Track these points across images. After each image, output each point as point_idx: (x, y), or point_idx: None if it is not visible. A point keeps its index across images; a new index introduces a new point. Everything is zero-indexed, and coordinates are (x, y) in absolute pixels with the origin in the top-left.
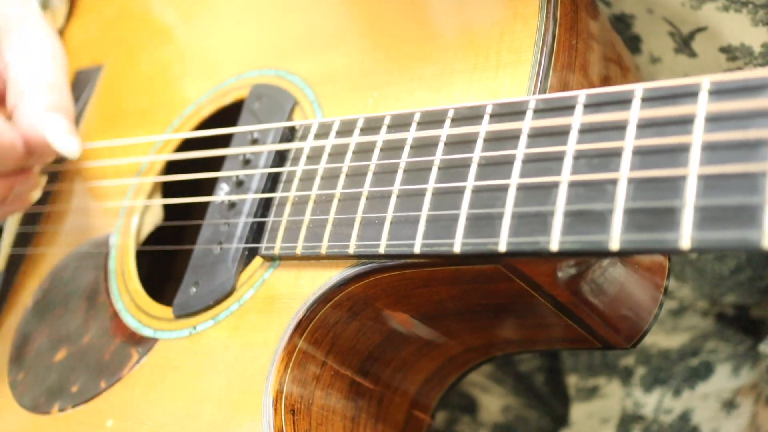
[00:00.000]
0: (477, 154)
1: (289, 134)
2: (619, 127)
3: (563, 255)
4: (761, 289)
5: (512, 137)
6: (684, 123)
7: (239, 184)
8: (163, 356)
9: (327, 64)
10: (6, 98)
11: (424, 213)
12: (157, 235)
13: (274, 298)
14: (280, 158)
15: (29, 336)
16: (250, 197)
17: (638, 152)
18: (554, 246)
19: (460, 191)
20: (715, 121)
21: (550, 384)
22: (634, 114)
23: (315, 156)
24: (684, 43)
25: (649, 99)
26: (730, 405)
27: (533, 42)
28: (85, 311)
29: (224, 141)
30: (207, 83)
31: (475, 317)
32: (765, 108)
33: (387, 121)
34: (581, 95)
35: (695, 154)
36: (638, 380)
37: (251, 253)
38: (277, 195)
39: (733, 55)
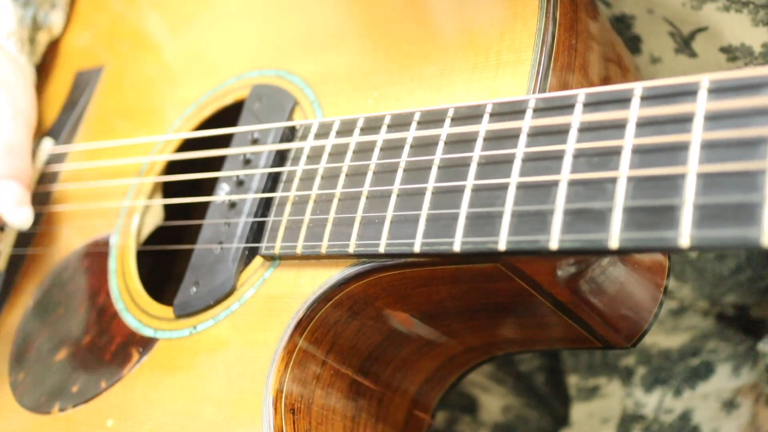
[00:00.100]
0: (477, 153)
1: (290, 134)
2: (619, 126)
3: (563, 253)
4: (761, 289)
5: (512, 136)
6: (683, 121)
7: (240, 184)
8: (164, 356)
9: (327, 64)
10: None
11: (424, 212)
12: (157, 235)
13: (275, 298)
14: (281, 158)
15: (30, 336)
16: (251, 197)
17: (638, 151)
18: (554, 244)
19: (460, 190)
20: (714, 119)
21: (550, 384)
22: (634, 113)
23: (315, 156)
24: (684, 44)
25: (649, 98)
26: (730, 405)
27: (533, 42)
28: (86, 311)
29: (225, 141)
30: (207, 83)
31: (476, 316)
32: (764, 106)
33: (387, 120)
34: (581, 94)
35: (694, 153)
36: (639, 380)
37: (251, 253)
38: (277, 195)
39: (734, 55)
